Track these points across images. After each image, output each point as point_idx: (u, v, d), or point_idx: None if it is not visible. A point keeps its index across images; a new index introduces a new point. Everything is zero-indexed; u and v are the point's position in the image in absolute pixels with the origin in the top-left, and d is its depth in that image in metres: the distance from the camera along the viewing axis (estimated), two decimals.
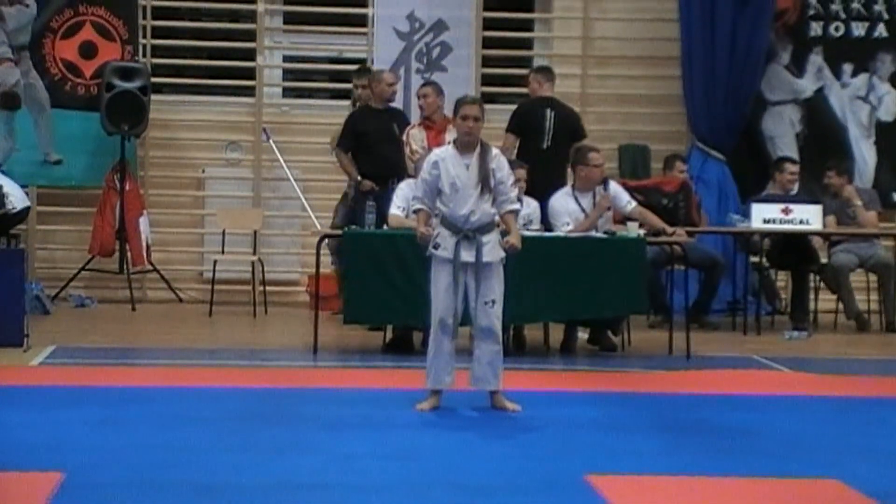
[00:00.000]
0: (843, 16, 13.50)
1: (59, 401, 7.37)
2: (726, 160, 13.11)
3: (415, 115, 11.63)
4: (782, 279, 12.77)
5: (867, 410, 7.75)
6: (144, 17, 13.07)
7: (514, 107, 13.64)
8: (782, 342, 10.92)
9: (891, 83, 13.59)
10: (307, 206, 12.81)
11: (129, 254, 12.41)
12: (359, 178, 11.13)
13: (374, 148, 11.05)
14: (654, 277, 10.93)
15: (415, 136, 10.42)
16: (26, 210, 10.58)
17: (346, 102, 12.52)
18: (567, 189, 10.28)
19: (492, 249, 7.30)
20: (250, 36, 13.37)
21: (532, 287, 9.21)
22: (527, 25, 13.94)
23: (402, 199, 9.47)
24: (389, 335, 10.00)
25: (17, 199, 10.57)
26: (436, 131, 10.39)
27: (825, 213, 11.64)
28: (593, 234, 9.85)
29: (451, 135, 9.55)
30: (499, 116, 12.87)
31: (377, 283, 9.32)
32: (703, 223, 11.82)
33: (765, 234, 11.58)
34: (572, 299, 9.52)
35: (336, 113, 13.40)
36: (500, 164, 7.36)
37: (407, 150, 10.37)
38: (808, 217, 11.37)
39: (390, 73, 11.83)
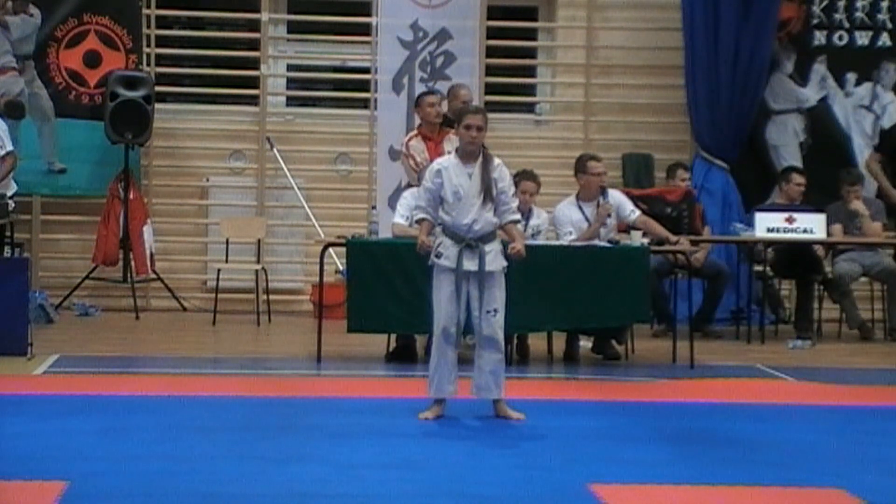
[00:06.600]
0: (846, 25, 13.49)
1: (62, 410, 7.38)
2: (730, 169, 13.09)
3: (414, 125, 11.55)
4: (786, 288, 12.75)
5: (872, 420, 7.75)
6: (148, 27, 13.07)
7: (516, 115, 13.64)
8: (786, 351, 10.90)
9: (894, 92, 13.57)
10: (311, 215, 12.81)
11: (132, 263, 12.39)
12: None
13: None
14: (657, 286, 10.93)
15: (416, 148, 10.31)
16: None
17: (350, 111, 12.45)
18: (571, 198, 10.29)
19: (494, 258, 7.31)
20: (254, 45, 13.36)
21: (536, 296, 9.21)
22: (530, 35, 13.93)
23: (406, 209, 9.47)
24: (393, 345, 10.00)
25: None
26: (434, 143, 10.33)
27: (832, 221, 11.63)
28: (597, 242, 9.85)
29: (449, 144, 9.53)
30: (501, 125, 12.90)
31: (381, 291, 9.33)
32: (704, 234, 11.79)
33: (768, 244, 11.57)
34: (576, 308, 9.51)
35: (339, 122, 13.42)
36: (501, 173, 7.38)
37: (410, 162, 10.32)
38: (812, 226, 11.35)
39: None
